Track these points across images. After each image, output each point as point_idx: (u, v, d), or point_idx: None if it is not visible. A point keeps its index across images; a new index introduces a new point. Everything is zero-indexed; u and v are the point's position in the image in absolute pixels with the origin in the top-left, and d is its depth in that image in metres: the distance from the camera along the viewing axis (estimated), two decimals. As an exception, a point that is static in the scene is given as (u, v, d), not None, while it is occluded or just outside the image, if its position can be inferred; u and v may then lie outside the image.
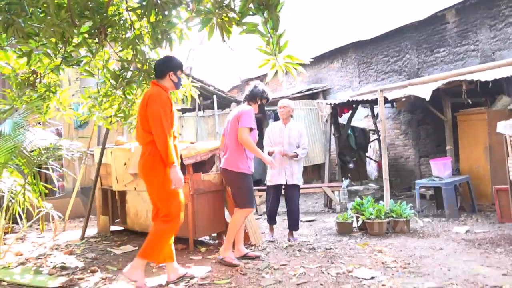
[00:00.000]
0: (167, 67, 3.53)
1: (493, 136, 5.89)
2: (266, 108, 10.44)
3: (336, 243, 4.88)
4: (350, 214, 5.47)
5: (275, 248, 4.75)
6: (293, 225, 5.14)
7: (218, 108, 9.85)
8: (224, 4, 3.43)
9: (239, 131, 4.03)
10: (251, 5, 3.33)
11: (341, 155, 8.40)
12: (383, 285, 3.25)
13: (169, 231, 3.41)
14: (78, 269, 3.99)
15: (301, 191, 8.46)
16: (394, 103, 8.40)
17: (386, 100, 6.88)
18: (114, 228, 5.91)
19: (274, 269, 3.85)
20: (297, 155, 5.01)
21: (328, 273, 3.66)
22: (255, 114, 4.34)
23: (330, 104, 7.95)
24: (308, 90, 11.25)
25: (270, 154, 5.04)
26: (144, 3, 3.72)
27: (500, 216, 5.25)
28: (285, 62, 3.51)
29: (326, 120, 8.24)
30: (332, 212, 7.44)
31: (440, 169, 6.22)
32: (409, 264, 3.80)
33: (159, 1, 3.59)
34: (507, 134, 4.28)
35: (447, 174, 6.20)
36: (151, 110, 3.31)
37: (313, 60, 12.00)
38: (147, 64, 4.44)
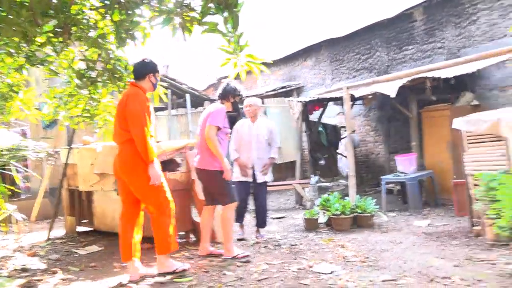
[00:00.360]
0: (147, 69, 3.66)
1: (455, 132, 6.06)
2: (240, 106, 10.50)
3: (302, 239, 4.96)
4: (316, 211, 5.57)
5: (241, 245, 4.80)
6: (261, 222, 5.19)
7: (191, 107, 9.83)
8: (184, 4, 3.47)
9: (206, 128, 4.05)
10: (211, 4, 3.37)
11: (312, 152, 8.50)
12: (340, 279, 3.33)
13: (167, 220, 3.56)
14: (39, 270, 3.95)
15: (274, 188, 8.60)
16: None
17: (355, 98, 7.01)
18: (82, 228, 5.86)
19: (237, 266, 3.90)
20: (272, 162, 5.13)
21: (289, 269, 3.73)
22: (229, 112, 4.35)
23: (301, 102, 8.03)
24: (282, 88, 11.33)
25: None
26: (107, 2, 3.73)
27: (457, 210, 5.42)
28: (247, 61, 3.57)
29: (298, 118, 8.32)
30: (303, 208, 7.53)
31: (405, 165, 6.38)
32: (368, 258, 3.90)
33: (122, 0, 3.59)
34: (463, 130, 4.43)
35: (412, 169, 6.37)
36: (130, 110, 3.44)
37: (283, 58, 12.11)
38: (111, 63, 4.42)
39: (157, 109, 9.72)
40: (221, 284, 3.38)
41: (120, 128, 3.54)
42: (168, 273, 3.60)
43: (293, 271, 3.65)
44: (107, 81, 4.47)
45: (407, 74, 5.60)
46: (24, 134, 6.21)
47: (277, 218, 6.65)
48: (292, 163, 9.83)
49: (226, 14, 3.38)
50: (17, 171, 5.54)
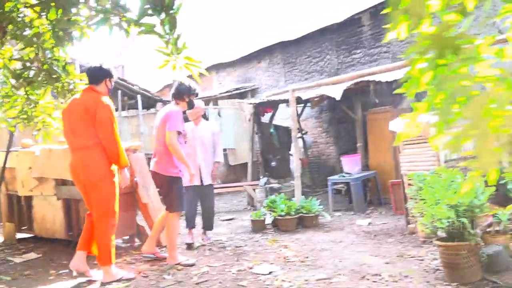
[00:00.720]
0: (104, 74, 3.71)
1: (395, 134, 6.33)
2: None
3: (248, 241, 5.00)
4: (263, 212, 5.63)
5: (186, 249, 4.78)
6: (207, 225, 5.15)
7: (143, 108, 9.67)
8: (120, 5, 3.43)
9: (166, 135, 4.00)
10: (148, 6, 3.35)
11: (264, 154, 8.58)
12: (277, 279, 3.39)
13: (111, 231, 3.57)
14: (-33, 280, 3.76)
15: (226, 190, 8.59)
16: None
17: (304, 100, 7.15)
18: (22, 235, 5.62)
19: (177, 269, 3.88)
20: (218, 167, 5.13)
21: (230, 271, 3.75)
22: (185, 111, 4.29)
23: (251, 103, 8.09)
24: (236, 89, 11.36)
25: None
26: (43, 0, 3.62)
27: (395, 208, 5.65)
28: (185, 64, 3.57)
29: (249, 120, 8.38)
30: (254, 210, 7.58)
31: (350, 165, 6.58)
32: (307, 258, 3.99)
33: (58, -1, 3.50)
34: (397, 132, 4.61)
35: (357, 170, 6.57)
36: (101, 118, 3.47)
37: (239, 59, 12.15)
38: (48, 63, 4.29)
39: (107, 111, 9.50)
40: (158, 288, 3.36)
41: (84, 132, 3.52)
42: (114, 281, 3.55)
43: (233, 273, 3.68)
44: (44, 82, 4.33)
45: (351, 77, 5.78)
46: (-42, 137, 5.89)
47: (226, 220, 6.66)
48: (246, 165, 9.87)
49: (163, 15, 3.37)
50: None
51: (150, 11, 3.37)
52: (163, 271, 3.82)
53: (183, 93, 4.27)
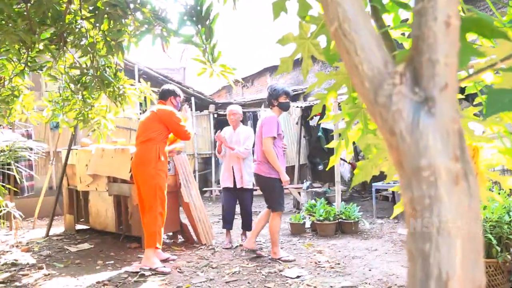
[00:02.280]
0: (168, 94, 4.51)
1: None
2: (244, 110, 10.66)
3: (285, 243, 5.08)
4: (302, 216, 5.67)
5: (225, 249, 4.95)
6: (246, 225, 5.28)
7: (196, 110, 10.05)
8: (160, 18, 3.70)
9: (263, 141, 4.31)
10: (186, 17, 3.57)
11: (311, 157, 8.58)
12: (303, 284, 3.45)
13: (156, 217, 4.06)
14: (27, 266, 4.21)
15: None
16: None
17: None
18: (80, 226, 6.13)
19: (212, 267, 4.06)
20: (223, 142, 5.09)
21: (260, 272, 3.86)
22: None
23: (299, 107, 8.13)
24: (288, 92, 11.42)
25: (219, 151, 5.18)
26: (96, 12, 3.99)
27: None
28: (221, 71, 3.75)
29: (297, 123, 8.42)
30: (298, 212, 7.63)
31: (397, 172, 6.40)
32: (338, 264, 4.00)
33: (110, 11, 3.84)
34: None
35: (403, 177, 6.37)
36: (166, 118, 4.28)
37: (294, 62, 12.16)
38: (101, 70, 4.67)
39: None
40: (190, 284, 3.55)
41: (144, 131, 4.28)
42: (150, 269, 3.87)
43: (263, 275, 3.79)
44: (97, 87, 4.71)
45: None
46: (29, 135, 6.52)
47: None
48: (293, 168, 9.93)
49: (199, 26, 3.57)
50: (19, 171, 5.87)
51: (188, 22, 3.60)
52: (198, 268, 4.02)
53: (274, 98, 4.41)
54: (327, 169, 3.38)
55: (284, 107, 4.48)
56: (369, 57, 0.48)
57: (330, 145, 1.41)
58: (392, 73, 0.46)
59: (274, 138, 4.29)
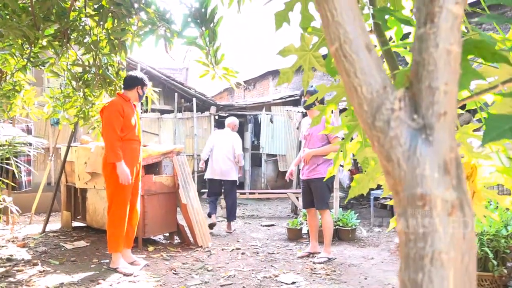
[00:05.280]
0: (136, 82, 4.21)
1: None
2: (245, 113, 10.67)
3: (282, 248, 5.07)
4: (300, 221, 5.66)
5: (222, 250, 4.95)
6: (230, 216, 6.20)
7: (197, 111, 10.05)
8: (164, 19, 3.71)
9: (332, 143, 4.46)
10: (190, 19, 3.57)
11: (311, 162, 8.55)
12: (298, 290, 3.44)
13: (116, 221, 3.94)
14: (22, 261, 4.20)
15: (269, 196, 8.71)
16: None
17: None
18: (76, 224, 6.12)
19: (208, 270, 4.05)
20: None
21: (256, 277, 3.85)
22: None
23: (300, 112, 8.13)
24: (290, 96, 11.42)
25: None
26: (101, 10, 4.00)
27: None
28: (223, 74, 3.76)
29: (297, 127, 8.41)
30: (296, 217, 7.62)
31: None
32: (334, 271, 3.99)
33: (114, 10, 3.86)
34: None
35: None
36: (104, 116, 4.01)
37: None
38: (103, 68, 4.67)
39: (163, 111, 9.99)
40: (184, 286, 3.54)
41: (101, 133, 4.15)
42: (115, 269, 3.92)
43: (258, 279, 3.78)
44: (99, 85, 4.71)
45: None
46: (29, 130, 6.52)
47: (267, 225, 6.76)
48: (293, 172, 9.91)
49: (203, 28, 3.58)
50: (18, 166, 5.86)
51: (192, 24, 3.60)
52: (193, 270, 4.01)
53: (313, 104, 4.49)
54: (324, 179, 3.45)
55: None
56: (368, 79, 0.48)
57: (328, 157, 1.40)
58: (391, 98, 0.46)
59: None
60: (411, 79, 0.46)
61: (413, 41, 0.50)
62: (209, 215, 6.12)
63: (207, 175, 6.36)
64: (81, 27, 4.42)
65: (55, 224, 6.31)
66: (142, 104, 6.10)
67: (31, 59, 4.66)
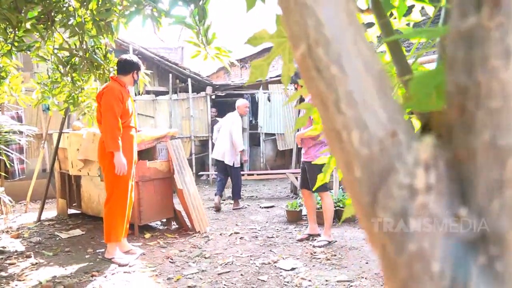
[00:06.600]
0: (132, 67, 4.02)
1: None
2: (242, 92, 10.44)
3: (280, 231, 4.98)
4: (299, 203, 5.55)
5: (220, 234, 4.85)
6: (234, 194, 6.64)
7: (193, 91, 9.82)
8: (151, -4, 3.49)
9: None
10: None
11: (309, 141, 8.41)
12: (297, 277, 3.34)
13: (117, 210, 3.83)
14: (15, 253, 4.10)
15: (269, 176, 8.60)
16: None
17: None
18: (72, 211, 6.01)
19: (205, 257, 3.95)
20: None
21: (254, 263, 3.76)
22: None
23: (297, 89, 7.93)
24: (287, 73, 11.17)
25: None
26: (85, -10, 3.79)
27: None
28: (215, 54, 3.58)
29: (295, 105, 8.22)
30: (296, 198, 7.52)
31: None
32: (334, 255, 3.89)
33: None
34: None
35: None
36: (103, 103, 3.78)
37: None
38: (90, 52, 4.47)
39: (158, 93, 9.76)
40: (181, 276, 3.44)
41: (97, 120, 3.96)
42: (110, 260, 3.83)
43: (257, 266, 3.69)
44: (87, 69, 4.52)
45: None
46: (19, 117, 6.34)
47: (265, 207, 6.66)
48: (291, 151, 9.79)
49: (192, 6, 3.37)
50: (8, 155, 5.71)
51: (180, 2, 3.39)
52: (190, 258, 3.92)
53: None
54: (313, 189, 3.30)
55: None
56: (363, 116, 0.27)
57: (318, 161, 1.25)
58: (408, 158, 0.24)
59: None
60: (449, 121, 0.24)
61: (440, 39, 0.30)
62: (216, 195, 6.48)
63: (212, 155, 6.91)
64: (64, 9, 4.21)
65: (51, 212, 6.21)
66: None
67: (15, 43, 4.46)
